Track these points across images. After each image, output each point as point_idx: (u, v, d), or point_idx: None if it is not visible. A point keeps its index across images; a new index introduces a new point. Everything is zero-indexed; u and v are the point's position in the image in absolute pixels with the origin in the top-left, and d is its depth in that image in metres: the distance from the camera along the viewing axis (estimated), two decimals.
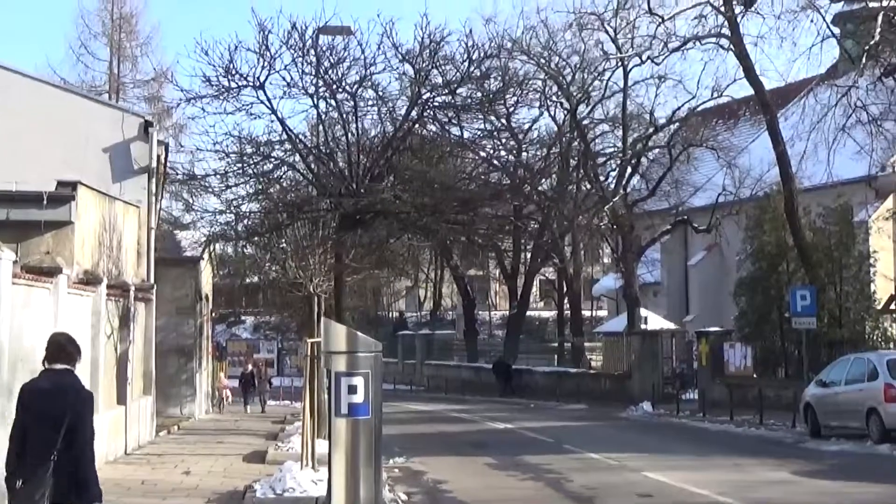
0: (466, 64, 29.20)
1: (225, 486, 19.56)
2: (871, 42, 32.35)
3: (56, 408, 9.05)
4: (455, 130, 34.67)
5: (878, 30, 32.04)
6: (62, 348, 9.52)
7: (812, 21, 36.63)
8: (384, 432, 13.47)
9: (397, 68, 30.60)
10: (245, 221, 31.72)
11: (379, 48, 29.16)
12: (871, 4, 36.91)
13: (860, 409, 27.81)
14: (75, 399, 9.21)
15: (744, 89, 46.53)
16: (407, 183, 30.66)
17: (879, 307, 41.04)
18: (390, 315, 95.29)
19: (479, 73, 30.56)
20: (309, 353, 21.52)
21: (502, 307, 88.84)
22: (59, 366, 9.40)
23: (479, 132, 37.60)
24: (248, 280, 52.24)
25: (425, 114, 30.65)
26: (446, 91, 29.90)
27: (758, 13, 38.38)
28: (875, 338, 39.41)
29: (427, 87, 29.79)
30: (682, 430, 34.84)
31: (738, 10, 38.10)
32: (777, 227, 41.29)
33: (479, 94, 31.51)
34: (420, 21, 29.49)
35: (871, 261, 41.95)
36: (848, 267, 40.15)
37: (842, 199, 42.02)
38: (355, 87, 29.79)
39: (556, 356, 62.74)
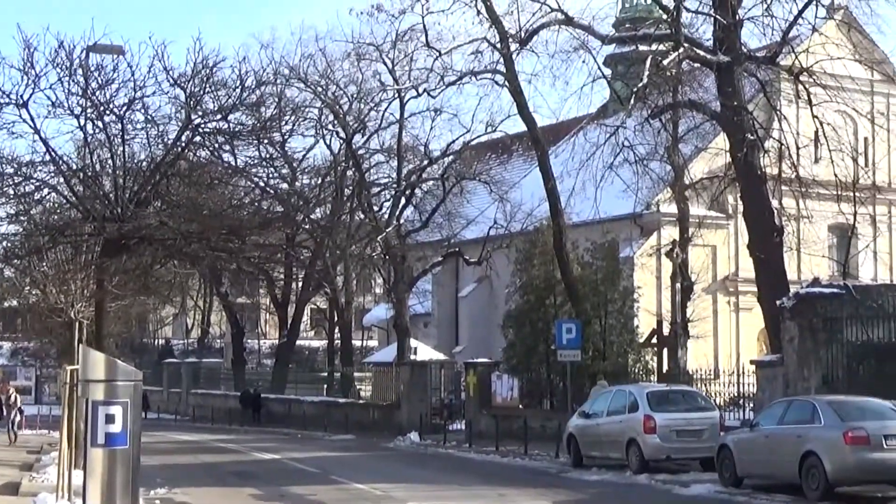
0: (239, 90, 28.84)
1: None
2: (640, 84, 33.18)
3: None
4: (227, 157, 34.20)
5: (647, 72, 32.88)
6: None
7: (584, 62, 37.45)
8: (147, 463, 13.09)
9: (168, 92, 30.00)
10: (3, 243, 30.60)
11: (150, 71, 28.56)
12: (640, 48, 37.96)
13: (621, 440, 28.40)
14: None
15: (517, 125, 47.32)
16: (175, 208, 30.05)
17: (641, 341, 42.12)
18: (156, 342, 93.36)
19: (253, 99, 30.22)
20: (68, 380, 20.80)
21: (272, 336, 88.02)
22: None
23: (252, 159, 37.20)
24: (5, 304, 50.41)
25: (196, 139, 30.12)
26: (219, 116, 29.47)
27: (533, 51, 39.08)
28: (637, 370, 40.45)
29: (199, 111, 29.29)
30: (448, 460, 35.00)
31: (513, 47, 38.70)
32: (546, 261, 41.98)
33: (253, 121, 31.15)
34: (193, 45, 29.02)
35: (635, 296, 43.06)
36: (613, 301, 41.11)
37: (609, 236, 43.10)
38: (124, 109, 29.09)
39: (325, 386, 62.42)
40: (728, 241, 51.97)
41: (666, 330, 41.36)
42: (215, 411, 63.34)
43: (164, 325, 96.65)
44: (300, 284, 66.42)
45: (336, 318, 65.36)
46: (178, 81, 29.28)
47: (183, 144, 30.08)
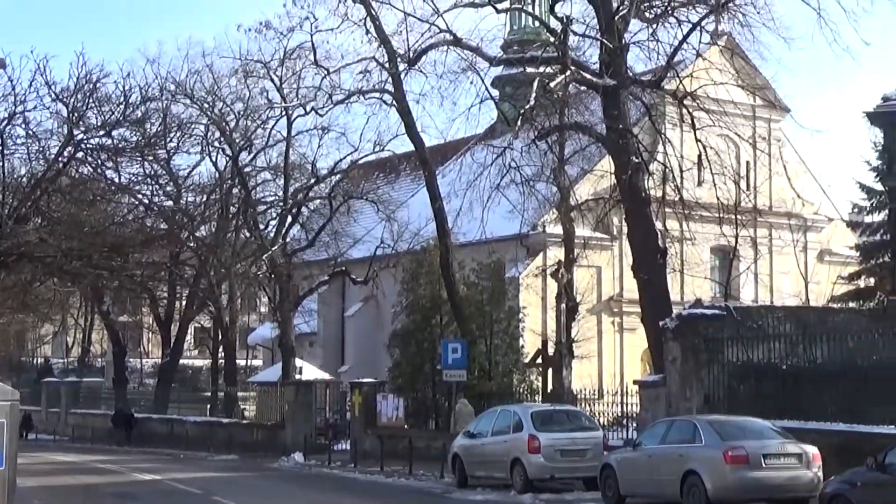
0: (123, 105, 28.48)
1: None
2: (527, 106, 33.44)
3: None
4: (111, 173, 33.71)
5: (534, 94, 33.16)
6: None
7: (472, 83, 37.66)
8: (23, 484, 12.78)
9: (50, 107, 29.51)
10: None
11: (31, 85, 28.08)
12: (528, 70, 38.26)
13: (505, 460, 28.45)
14: None
15: (405, 145, 47.34)
16: (55, 225, 29.54)
17: (527, 361, 42.33)
18: (35, 361, 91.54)
19: (138, 115, 29.87)
20: None
21: (155, 355, 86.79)
22: None
23: (136, 176, 36.73)
24: None
25: (79, 154, 29.65)
26: (102, 132, 29.06)
27: (421, 71, 39.17)
28: (522, 390, 40.64)
29: (81, 127, 28.86)
30: (332, 480, 34.78)
31: (402, 67, 38.76)
32: (432, 281, 42.03)
33: (137, 137, 30.78)
34: (77, 59, 28.60)
35: (521, 316, 43.30)
36: (499, 321, 41.30)
37: (495, 256, 43.26)
38: (4, 123, 28.59)
39: (209, 406, 61.70)
40: (613, 263, 52.52)
41: (551, 350, 41.64)
42: (95, 431, 62.26)
43: (43, 344, 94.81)
44: (184, 303, 65.60)
45: (220, 337, 64.65)
46: (61, 96, 28.87)
47: (65, 160, 29.63)
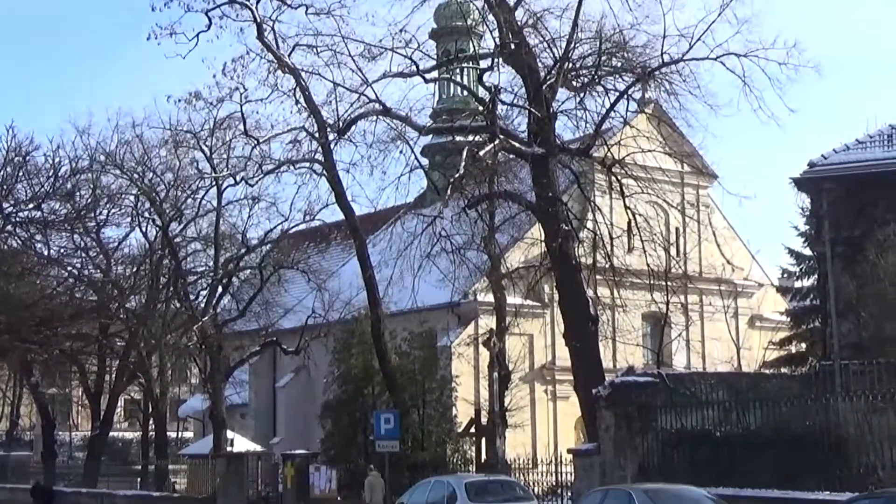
0: (53, 178, 28.25)
1: None
2: (457, 174, 33.57)
3: None
4: (40, 245, 33.35)
5: (464, 163, 33.31)
6: None
7: (402, 152, 37.77)
8: None
9: None
10: None
11: None
12: (457, 139, 38.43)
13: None
14: None
15: (336, 214, 47.15)
16: None
17: (460, 430, 42.13)
18: None
19: (68, 187, 29.62)
20: None
21: (84, 428, 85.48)
22: None
23: (66, 249, 36.33)
24: None
25: (8, 227, 29.33)
26: (32, 205, 28.78)
27: (351, 141, 39.18)
28: (455, 460, 40.41)
29: (11, 200, 28.57)
30: None
31: (331, 136, 38.74)
32: (364, 351, 41.81)
33: (67, 209, 30.50)
34: (6, 132, 28.37)
35: (453, 385, 43.15)
36: (431, 391, 41.13)
37: (426, 325, 43.20)
38: None
39: (139, 479, 60.75)
40: (545, 330, 52.52)
41: (484, 419, 41.49)
42: None
43: None
44: (114, 375, 64.73)
45: (151, 409, 63.79)
46: None
47: None
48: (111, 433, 68.64)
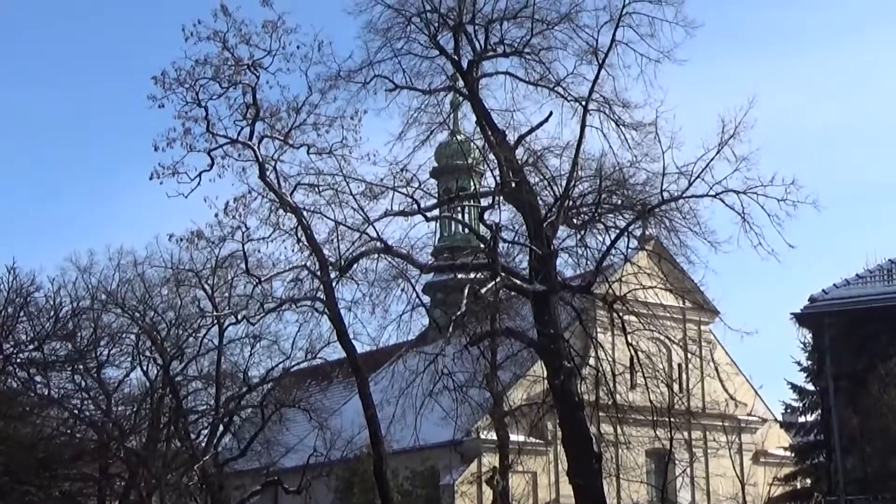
0: (54, 319, 28.31)
1: None
2: (458, 312, 33.60)
3: None
4: (40, 386, 33.27)
5: (465, 301, 33.37)
6: None
7: (403, 290, 37.76)
8: None
9: None
10: None
11: None
12: (458, 276, 38.57)
13: None
14: None
15: (337, 352, 47.10)
16: None
17: None
18: None
19: (69, 328, 29.67)
20: None
21: None
22: None
23: (66, 388, 36.21)
24: None
25: (8, 368, 29.32)
26: (32, 346, 28.81)
27: (352, 279, 39.19)
28: None
29: (11, 341, 28.61)
30: None
31: (333, 275, 38.81)
32: (366, 490, 41.54)
33: (67, 349, 30.50)
34: (7, 274, 28.53)
35: None
36: None
37: (429, 463, 42.94)
38: None
39: None
40: (548, 468, 52.12)
41: None
42: None
43: None
44: None
45: None
46: None
47: None
48: None
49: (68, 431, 43.00)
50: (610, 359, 38.14)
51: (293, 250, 39.12)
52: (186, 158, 35.22)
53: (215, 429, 53.77)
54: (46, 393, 34.87)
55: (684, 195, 35.06)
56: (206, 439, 54.64)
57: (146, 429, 58.46)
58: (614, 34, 35.63)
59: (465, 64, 36.06)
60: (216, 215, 38.16)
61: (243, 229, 39.24)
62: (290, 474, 53.74)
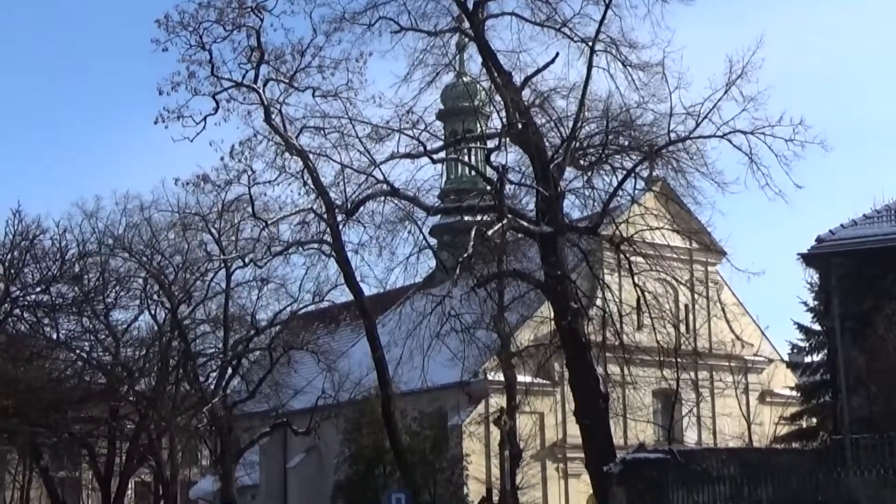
0: (60, 262, 28.39)
1: None
2: (465, 254, 33.65)
3: None
4: (48, 329, 33.42)
5: (472, 243, 33.39)
6: None
7: (410, 232, 37.80)
8: None
9: None
10: None
11: None
12: (465, 218, 38.56)
13: None
14: None
15: (345, 295, 47.27)
16: None
17: None
18: None
19: (76, 271, 29.75)
20: None
21: None
22: None
23: (74, 331, 36.35)
24: None
25: (15, 311, 29.45)
26: (39, 289, 28.91)
27: (359, 222, 39.22)
28: None
29: (18, 284, 28.71)
30: None
31: (339, 218, 38.85)
32: (375, 431, 41.75)
33: (75, 292, 30.61)
34: (13, 216, 28.57)
35: (464, 464, 43.00)
36: (442, 470, 41.04)
37: (436, 404, 43.13)
38: None
39: None
40: (555, 408, 52.42)
41: (496, 497, 41.31)
42: None
43: None
44: (124, 458, 64.56)
45: (161, 492, 63.55)
46: None
47: (1, 317, 29.38)
48: None
49: (77, 374, 43.20)
50: (617, 300, 38.18)
51: (299, 193, 39.18)
52: (191, 102, 35.20)
53: (224, 371, 54.04)
54: (54, 336, 35.03)
55: (691, 136, 34.97)
56: (214, 382, 54.94)
57: (155, 372, 58.81)
58: None
59: (470, 5, 35.81)
60: (222, 159, 38.18)
61: (249, 173, 39.28)
62: (299, 416, 54.07)
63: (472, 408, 51.31)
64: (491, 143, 37.88)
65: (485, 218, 36.24)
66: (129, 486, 70.92)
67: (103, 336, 52.32)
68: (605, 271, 40.21)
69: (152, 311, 57.67)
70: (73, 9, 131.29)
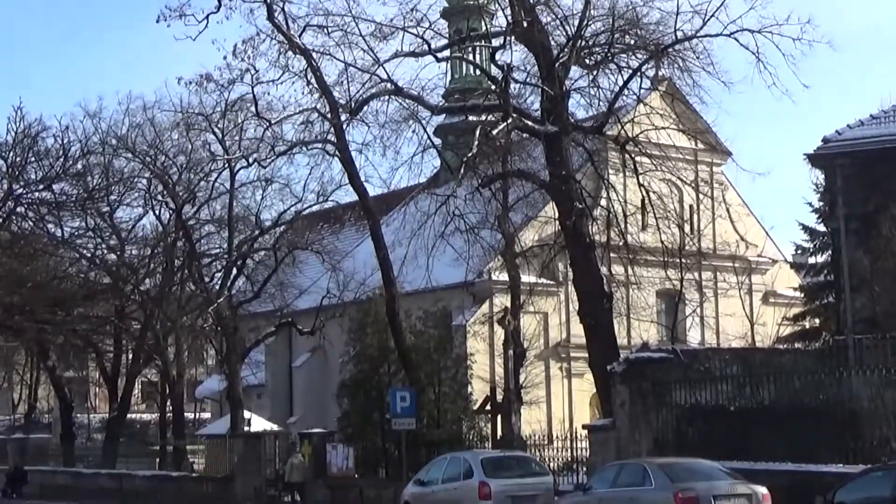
0: (63, 159, 28.35)
1: None
2: (470, 154, 33.57)
3: None
4: (53, 227, 33.47)
5: (476, 142, 33.30)
6: None
7: (414, 132, 37.72)
8: None
9: None
10: None
11: None
12: (470, 118, 38.38)
13: None
14: None
15: (349, 195, 47.26)
16: None
17: (475, 408, 42.24)
18: None
19: (78, 168, 29.72)
20: None
21: (102, 410, 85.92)
22: None
23: (78, 230, 36.42)
24: None
25: (19, 209, 29.46)
26: (42, 186, 28.90)
27: (363, 121, 39.12)
28: (471, 437, 40.55)
29: (21, 181, 28.69)
30: None
31: (343, 117, 38.71)
32: (379, 330, 41.87)
33: (78, 191, 30.60)
34: (14, 114, 28.47)
35: (468, 363, 43.26)
36: (446, 369, 41.22)
37: (441, 304, 43.27)
38: None
39: (157, 460, 61.05)
40: (559, 308, 52.66)
41: (499, 396, 41.60)
42: (44, 489, 61.40)
43: None
44: (130, 357, 65.04)
45: (168, 391, 64.10)
46: None
47: (4, 215, 29.40)
48: (129, 415, 69.05)
49: (81, 273, 43.32)
50: (621, 200, 38.17)
51: (303, 93, 39.05)
52: (193, 0, 34.89)
53: (229, 271, 54.16)
54: (59, 234, 35.09)
55: (698, 34, 34.64)
56: (219, 282, 55.10)
57: (160, 272, 59.03)
58: None
59: None
60: (224, 58, 37.99)
61: (252, 72, 39.09)
62: (304, 316, 54.30)
63: (476, 307, 51.54)
64: (496, 42, 37.63)
65: (489, 117, 36.10)
66: (136, 385, 71.64)
67: (107, 235, 52.41)
68: (610, 171, 40.14)
69: (157, 212, 57.77)
70: None
